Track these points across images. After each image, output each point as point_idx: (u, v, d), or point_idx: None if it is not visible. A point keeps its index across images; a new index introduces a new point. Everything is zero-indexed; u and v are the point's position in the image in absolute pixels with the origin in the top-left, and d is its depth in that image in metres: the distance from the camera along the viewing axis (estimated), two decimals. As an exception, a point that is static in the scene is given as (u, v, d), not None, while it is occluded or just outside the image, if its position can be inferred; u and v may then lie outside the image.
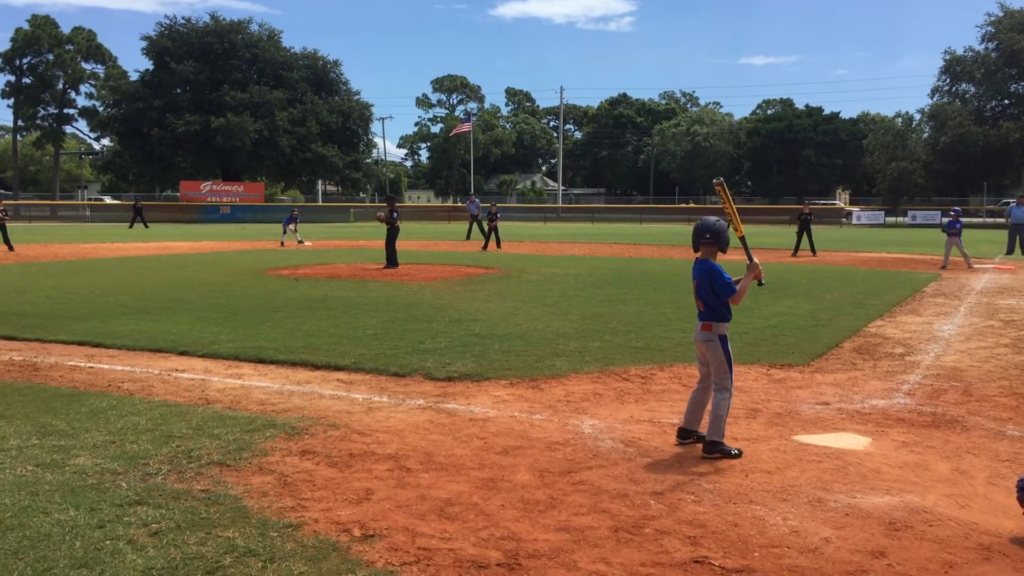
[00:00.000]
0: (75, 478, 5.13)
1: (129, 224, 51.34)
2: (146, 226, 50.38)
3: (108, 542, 4.19)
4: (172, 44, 74.93)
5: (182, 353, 9.34)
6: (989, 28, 67.97)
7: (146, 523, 4.43)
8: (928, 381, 8.22)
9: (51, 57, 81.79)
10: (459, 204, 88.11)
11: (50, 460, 5.48)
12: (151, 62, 76.42)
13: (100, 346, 9.79)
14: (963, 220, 22.98)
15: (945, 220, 23.32)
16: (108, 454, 5.62)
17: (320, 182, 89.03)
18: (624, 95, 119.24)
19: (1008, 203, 28.97)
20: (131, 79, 79.06)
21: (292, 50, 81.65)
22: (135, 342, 9.92)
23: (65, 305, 13.32)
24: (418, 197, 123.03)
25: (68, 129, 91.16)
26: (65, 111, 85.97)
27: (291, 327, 11.09)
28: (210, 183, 72.50)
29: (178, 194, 72.60)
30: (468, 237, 36.21)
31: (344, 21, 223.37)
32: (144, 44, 76.12)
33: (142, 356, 9.26)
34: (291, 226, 33.42)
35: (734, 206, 6.16)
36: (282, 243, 32.56)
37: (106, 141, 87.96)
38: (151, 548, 4.12)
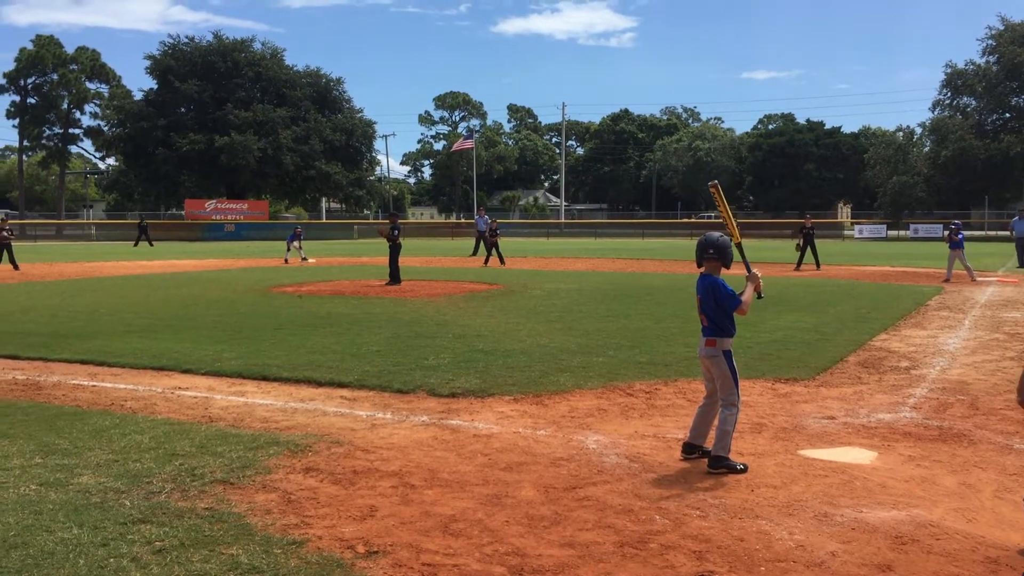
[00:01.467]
0: (79, 497, 5.12)
1: (134, 242, 51.47)
2: (151, 244, 50.52)
3: (112, 560, 4.17)
4: (176, 63, 75.30)
5: (185, 371, 9.34)
6: (990, 41, 68.17)
7: (150, 541, 4.42)
8: (934, 395, 8.20)
9: (55, 77, 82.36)
10: (462, 220, 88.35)
11: (53, 479, 5.47)
12: (155, 81, 76.81)
13: (103, 364, 9.79)
14: (964, 233, 22.97)
15: (946, 232, 23.34)
16: (111, 472, 5.61)
17: (324, 199, 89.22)
18: (626, 111, 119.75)
19: None
20: (135, 98, 79.50)
21: (295, 68, 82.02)
22: (138, 360, 9.92)
23: (69, 324, 13.34)
24: (421, 214, 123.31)
25: (73, 149, 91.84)
26: (70, 131, 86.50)
27: (295, 344, 11.09)
28: (214, 201, 72.68)
29: (183, 212, 72.75)
30: (475, 253, 36.25)
31: (346, 39, 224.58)
32: (148, 63, 76.60)
33: (145, 374, 9.26)
34: (295, 243, 33.49)
35: (729, 210, 6.16)
36: (286, 260, 32.62)
37: (111, 160, 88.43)
38: (155, 566, 4.11)
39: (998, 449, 6.29)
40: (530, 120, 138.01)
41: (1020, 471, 5.73)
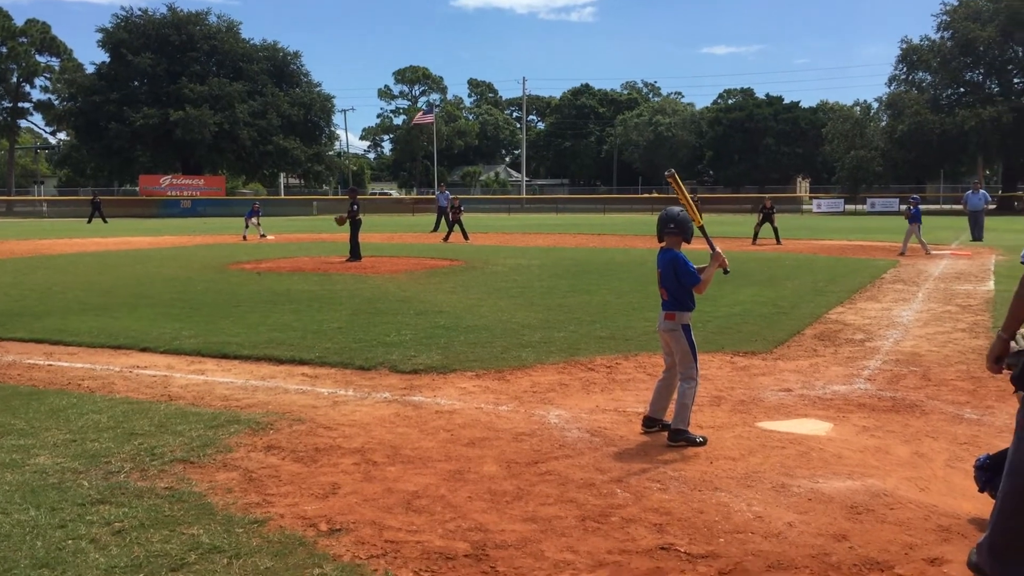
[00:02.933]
0: (35, 478, 5.06)
1: (87, 219, 50.60)
2: (105, 221, 49.68)
3: (70, 542, 4.13)
4: (128, 36, 73.77)
5: (143, 350, 9.23)
6: (944, 17, 68.84)
7: (109, 522, 4.38)
8: (888, 366, 8.35)
9: (4, 50, 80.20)
10: (423, 196, 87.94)
11: (9, 460, 5.39)
12: (107, 54, 75.20)
13: (59, 343, 9.64)
14: (921, 207, 23.38)
15: (904, 207, 23.78)
16: (69, 453, 5.54)
17: (282, 175, 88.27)
18: (586, 85, 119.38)
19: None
20: (87, 72, 77.77)
21: (251, 42, 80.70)
22: (95, 339, 9.79)
23: (22, 302, 13.10)
24: (381, 189, 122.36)
25: (23, 123, 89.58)
26: (20, 105, 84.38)
27: (254, 322, 11.00)
28: (170, 177, 71.61)
29: (137, 188, 71.58)
30: (436, 228, 36.12)
31: (304, 12, 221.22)
32: (100, 36, 74.98)
33: (102, 353, 9.14)
34: (253, 220, 33.14)
35: (688, 196, 6.20)
36: (244, 237, 32.28)
37: (62, 135, 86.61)
38: (114, 547, 4.07)
39: (949, 419, 6.43)
40: (491, 95, 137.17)
41: (970, 440, 5.86)
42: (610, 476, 5.15)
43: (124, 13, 76.25)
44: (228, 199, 71.02)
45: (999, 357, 3.88)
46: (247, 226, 33.15)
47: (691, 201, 6.16)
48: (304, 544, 4.13)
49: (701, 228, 6.07)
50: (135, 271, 18.66)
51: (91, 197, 54.46)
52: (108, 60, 75.20)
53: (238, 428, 6.10)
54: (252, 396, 7.16)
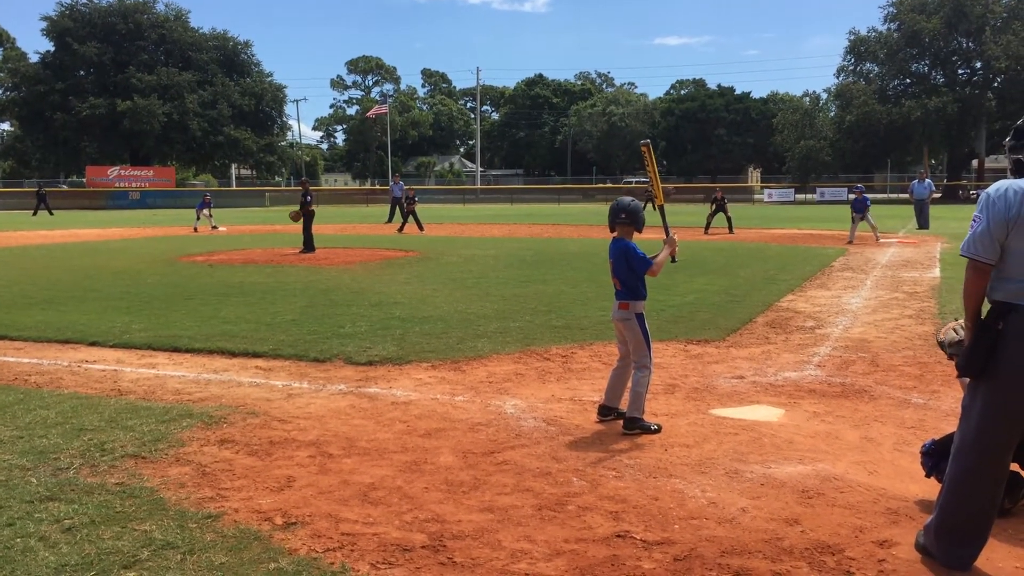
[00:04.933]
0: (-19, 476, 4.95)
1: (32, 212, 49.53)
2: (51, 213, 48.66)
3: (19, 540, 4.06)
4: (74, 24, 72.30)
5: (92, 344, 9.07)
6: (891, 9, 70.03)
7: (58, 519, 4.30)
8: (837, 353, 8.49)
9: (-57, 38, 78.17)
10: (377, 187, 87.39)
11: (-46, 458, 5.27)
12: (52, 43, 73.64)
13: (5, 338, 9.43)
14: (868, 196, 23.84)
15: (852, 196, 24.20)
16: (16, 449, 5.43)
17: (234, 166, 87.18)
18: (540, 76, 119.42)
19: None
20: (31, 61, 76.07)
21: (200, 31, 79.56)
22: (42, 333, 9.59)
23: (-34, 297, 12.79)
24: (335, 180, 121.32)
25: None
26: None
27: (207, 314, 10.86)
28: (118, 168, 70.32)
29: (84, 180, 70.23)
30: (390, 219, 35.91)
31: (254, 1, 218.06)
32: (44, 25, 73.36)
33: (50, 348, 8.96)
34: (204, 211, 32.73)
35: (657, 171, 6.21)
36: (195, 228, 31.86)
37: (6, 125, 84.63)
38: (64, 544, 4.01)
39: (897, 403, 6.56)
40: (444, 85, 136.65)
41: (917, 424, 5.99)
42: (566, 465, 5.18)
43: (69, 1, 74.66)
44: (178, 190, 70.00)
45: None
46: (198, 218, 32.73)
47: (658, 177, 6.18)
48: (259, 538, 4.09)
49: (660, 208, 6.10)
50: (83, 264, 18.31)
51: (36, 189, 53.23)
52: (53, 49, 73.65)
53: (191, 422, 6.03)
54: (205, 390, 7.08)
